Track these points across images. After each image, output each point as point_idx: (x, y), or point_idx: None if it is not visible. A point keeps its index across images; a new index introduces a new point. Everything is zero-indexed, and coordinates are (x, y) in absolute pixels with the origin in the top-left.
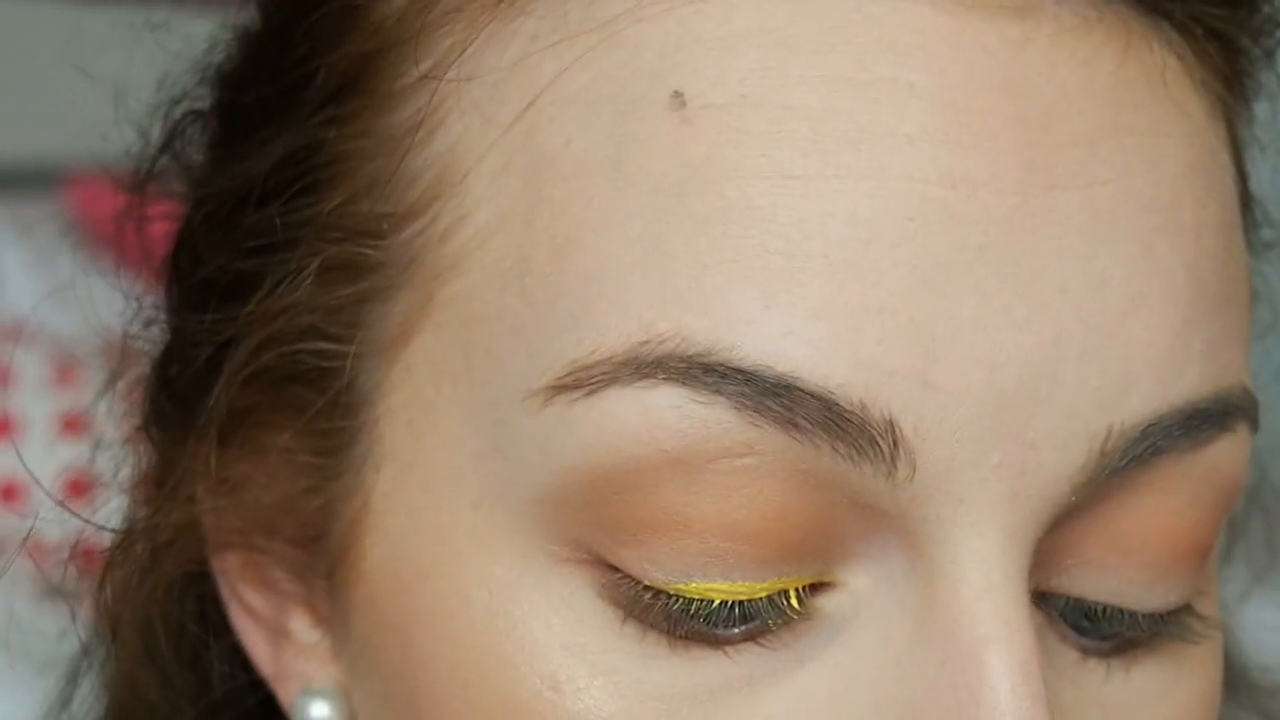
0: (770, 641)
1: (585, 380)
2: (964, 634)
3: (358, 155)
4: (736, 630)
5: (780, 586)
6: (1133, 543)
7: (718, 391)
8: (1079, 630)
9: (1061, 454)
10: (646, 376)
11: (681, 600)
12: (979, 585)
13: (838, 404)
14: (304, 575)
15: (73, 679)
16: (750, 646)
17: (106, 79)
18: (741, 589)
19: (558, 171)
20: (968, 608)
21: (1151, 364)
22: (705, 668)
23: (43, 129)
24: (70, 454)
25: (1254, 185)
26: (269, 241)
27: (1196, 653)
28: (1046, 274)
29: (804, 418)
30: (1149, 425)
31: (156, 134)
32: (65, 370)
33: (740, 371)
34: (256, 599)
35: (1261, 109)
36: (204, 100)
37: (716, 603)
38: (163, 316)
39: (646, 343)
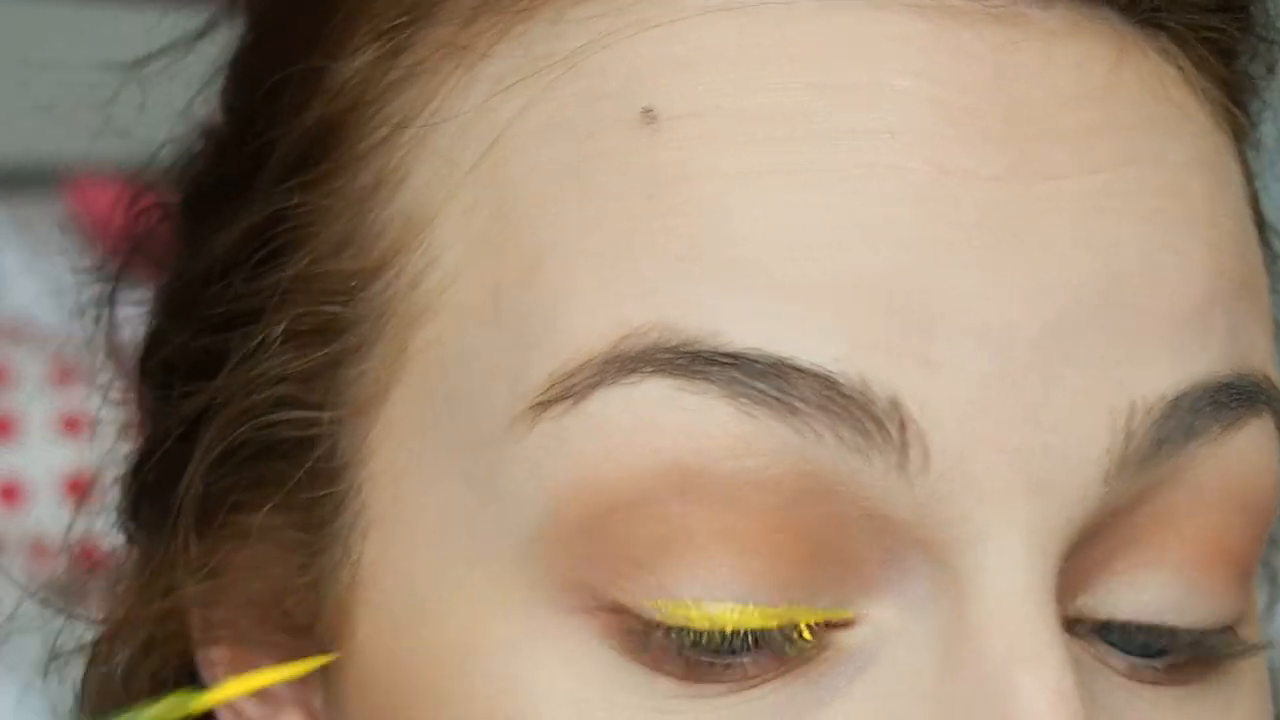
0: (791, 680)
1: (569, 389)
2: (992, 654)
3: (323, 218)
4: (749, 658)
5: (793, 617)
6: (1161, 552)
7: (708, 379)
8: (1125, 649)
9: (1082, 434)
10: (632, 372)
11: (692, 635)
12: (1004, 596)
13: (836, 381)
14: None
15: None
16: (769, 687)
17: (106, 79)
18: (754, 614)
19: (524, 198)
20: (994, 624)
21: (1170, 338)
22: (724, 715)
23: (43, 129)
24: (70, 454)
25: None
26: (233, 314)
27: (1244, 683)
28: (1052, 248)
29: (800, 400)
30: (1176, 399)
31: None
32: (65, 370)
33: (729, 356)
34: (247, 704)
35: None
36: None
37: (730, 632)
38: (138, 415)
39: (628, 337)
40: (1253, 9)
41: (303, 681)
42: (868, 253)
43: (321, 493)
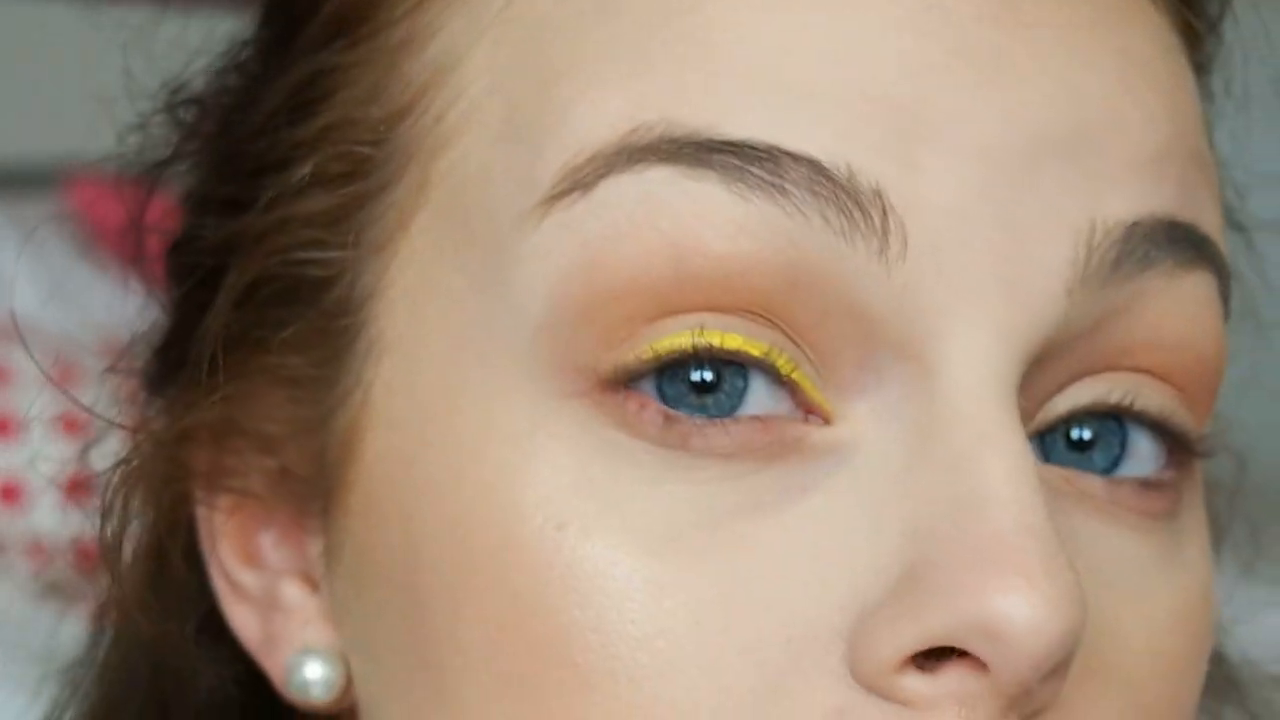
0: (777, 464)
1: (579, 181)
2: (957, 438)
3: (356, 71)
4: (735, 418)
5: (774, 356)
6: (1121, 364)
7: (708, 166)
8: (1092, 468)
9: (1048, 243)
10: (639, 161)
11: (676, 356)
12: (971, 384)
13: (823, 166)
14: (298, 519)
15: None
16: (756, 465)
17: (106, 79)
18: (737, 338)
19: (549, 28)
20: (960, 411)
21: (1130, 175)
22: (711, 491)
23: (43, 129)
24: (70, 454)
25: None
26: (266, 163)
27: (1197, 530)
28: (1027, 83)
29: (791, 183)
30: (1133, 224)
31: (154, 120)
32: (65, 370)
33: (728, 144)
34: (245, 577)
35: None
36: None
37: (716, 345)
38: (161, 292)
39: (636, 130)
40: None
41: (299, 549)
42: (862, 65)
43: (339, 322)
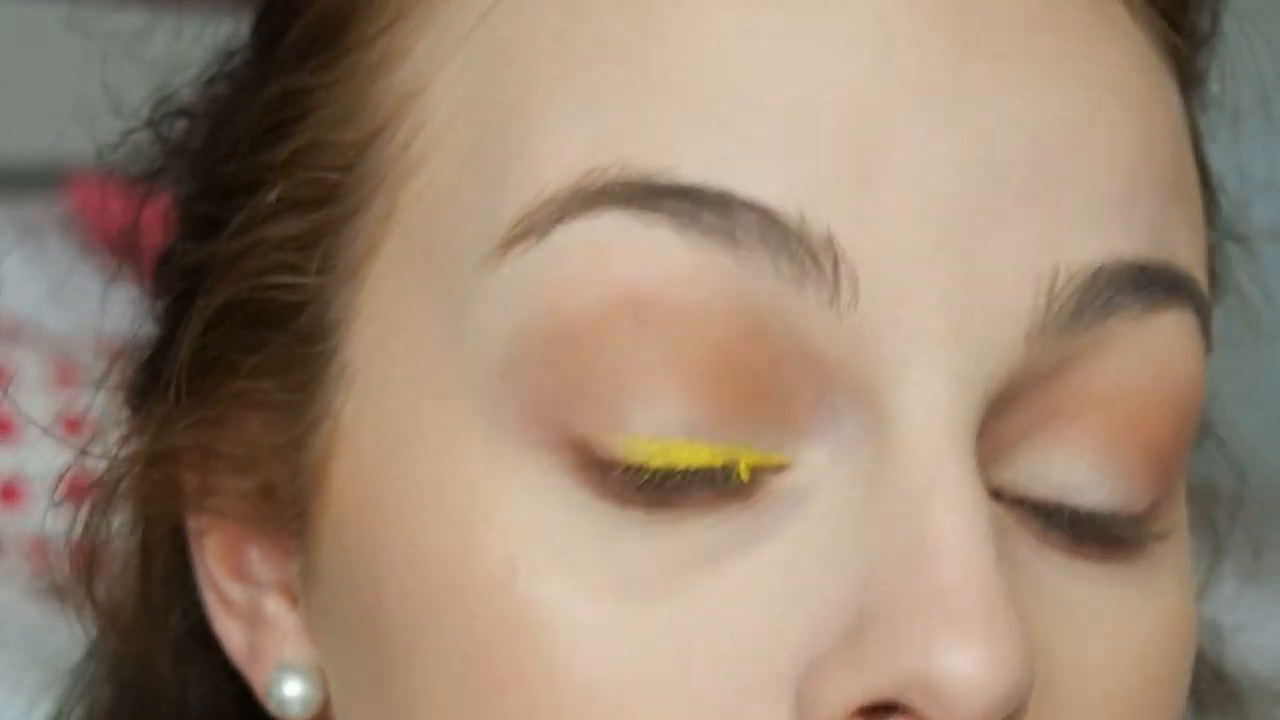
0: (734, 514)
1: (535, 225)
2: (910, 484)
3: (329, 91)
4: (693, 496)
5: (734, 456)
6: (1079, 428)
7: (659, 211)
8: (1059, 528)
9: (1007, 290)
10: (592, 206)
11: (648, 473)
12: (925, 431)
13: (775, 214)
14: (279, 538)
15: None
16: (713, 519)
17: (106, 80)
18: (702, 450)
19: (510, 57)
20: (914, 457)
21: (1097, 215)
22: (666, 543)
23: (43, 129)
24: (70, 455)
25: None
26: (240, 184)
27: (1163, 568)
28: (986, 117)
29: (743, 230)
30: (1097, 270)
31: (143, 132)
32: (65, 370)
33: (679, 188)
34: (232, 590)
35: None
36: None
37: (681, 468)
38: (150, 308)
39: (590, 173)
40: None
41: (282, 564)
42: (816, 109)
43: (311, 349)
